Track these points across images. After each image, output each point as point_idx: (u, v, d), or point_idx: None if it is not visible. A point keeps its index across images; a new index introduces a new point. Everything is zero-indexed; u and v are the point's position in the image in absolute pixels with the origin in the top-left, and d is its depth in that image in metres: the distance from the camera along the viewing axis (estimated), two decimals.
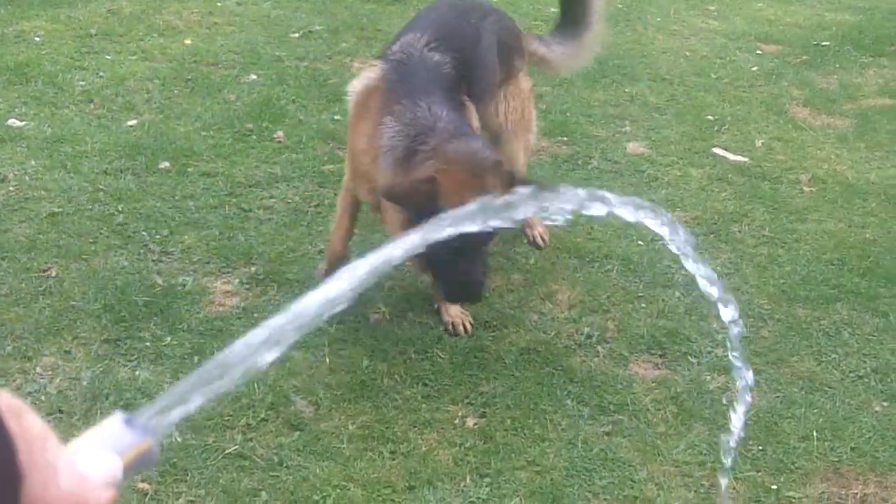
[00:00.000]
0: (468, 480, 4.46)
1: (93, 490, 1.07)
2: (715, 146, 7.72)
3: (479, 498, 4.38)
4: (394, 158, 4.81)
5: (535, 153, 7.46)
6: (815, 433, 4.75)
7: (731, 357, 2.62)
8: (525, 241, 6.07)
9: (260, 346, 1.17)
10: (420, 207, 4.36)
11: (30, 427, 1.11)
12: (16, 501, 0.99)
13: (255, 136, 7.35)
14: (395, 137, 4.82)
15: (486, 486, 4.40)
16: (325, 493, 4.30)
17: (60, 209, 6.14)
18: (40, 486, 1.03)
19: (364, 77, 5.32)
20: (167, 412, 1.13)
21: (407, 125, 4.81)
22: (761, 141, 7.92)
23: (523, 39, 5.91)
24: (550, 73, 6.52)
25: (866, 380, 5.16)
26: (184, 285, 5.56)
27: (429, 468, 4.48)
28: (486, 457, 4.59)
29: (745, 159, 7.58)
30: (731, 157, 7.59)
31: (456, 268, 4.63)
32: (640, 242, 6.22)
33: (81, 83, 7.76)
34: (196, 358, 4.98)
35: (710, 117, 8.24)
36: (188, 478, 4.33)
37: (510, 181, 4.52)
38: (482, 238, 4.51)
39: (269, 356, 1.18)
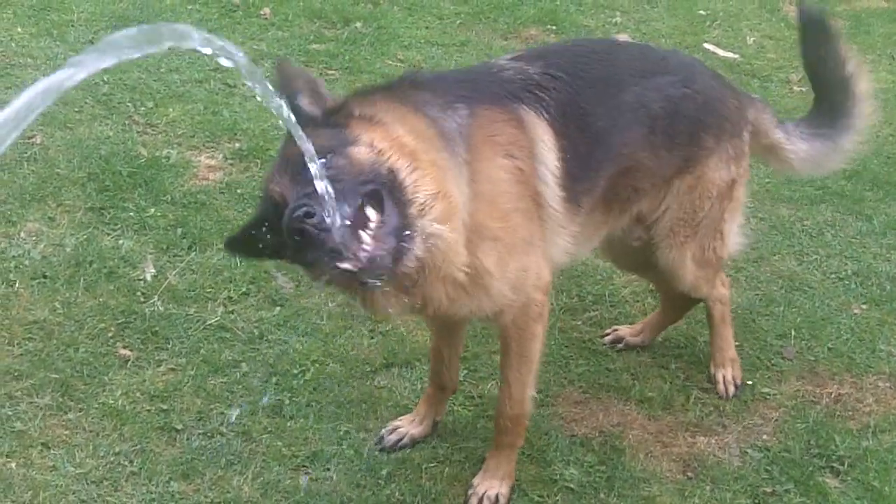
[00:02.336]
0: None
1: None
2: (706, 41, 7.67)
3: None
4: None
5: (525, 40, 7.41)
6: (792, 332, 4.79)
7: None
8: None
9: None
10: None
11: None
12: None
13: (241, 12, 7.27)
14: None
15: (464, 369, 4.43)
16: (303, 367, 4.33)
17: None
18: None
19: None
20: None
21: None
22: (753, 38, 7.87)
23: (743, 114, 4.18)
24: (782, 169, 4.71)
25: (846, 282, 5.19)
26: (168, 158, 5.52)
27: (406, 348, 4.51)
28: (464, 340, 4.60)
29: (736, 56, 7.54)
30: (721, 53, 7.55)
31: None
32: None
33: None
34: (179, 230, 4.97)
35: (702, 12, 8.18)
36: (169, 346, 4.35)
37: None
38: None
39: None
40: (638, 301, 4.94)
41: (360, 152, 3.05)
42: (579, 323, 4.75)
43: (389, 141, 3.11)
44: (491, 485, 3.84)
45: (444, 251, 3.15)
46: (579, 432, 4.21)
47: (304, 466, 3.89)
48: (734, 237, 4.30)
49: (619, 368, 4.54)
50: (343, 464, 3.92)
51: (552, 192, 3.60)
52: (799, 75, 7.29)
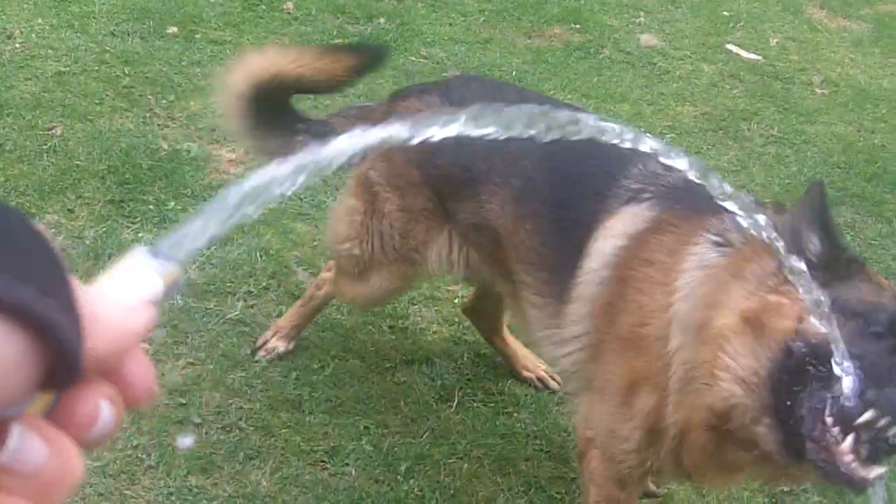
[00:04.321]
0: (465, 358, 4.48)
1: (133, 311, 0.89)
2: (729, 42, 7.64)
3: (475, 376, 4.40)
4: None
5: (548, 39, 7.39)
6: None
7: None
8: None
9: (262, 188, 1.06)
10: None
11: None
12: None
13: (264, 6, 7.25)
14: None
15: (483, 366, 4.42)
16: (324, 363, 4.32)
17: (67, 69, 6.07)
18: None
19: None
20: (183, 244, 1.02)
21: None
22: (776, 40, 7.84)
23: None
24: None
25: None
26: (189, 151, 5.52)
27: (426, 345, 4.50)
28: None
29: (759, 58, 7.51)
30: (744, 54, 7.53)
31: None
32: None
33: None
34: None
35: (725, 13, 8.15)
36: (188, 340, 4.33)
37: None
38: None
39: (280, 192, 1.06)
40: None
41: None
42: None
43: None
44: None
45: None
46: None
47: (322, 461, 3.88)
48: None
49: None
50: (362, 459, 3.91)
51: None
52: (821, 78, 7.28)
